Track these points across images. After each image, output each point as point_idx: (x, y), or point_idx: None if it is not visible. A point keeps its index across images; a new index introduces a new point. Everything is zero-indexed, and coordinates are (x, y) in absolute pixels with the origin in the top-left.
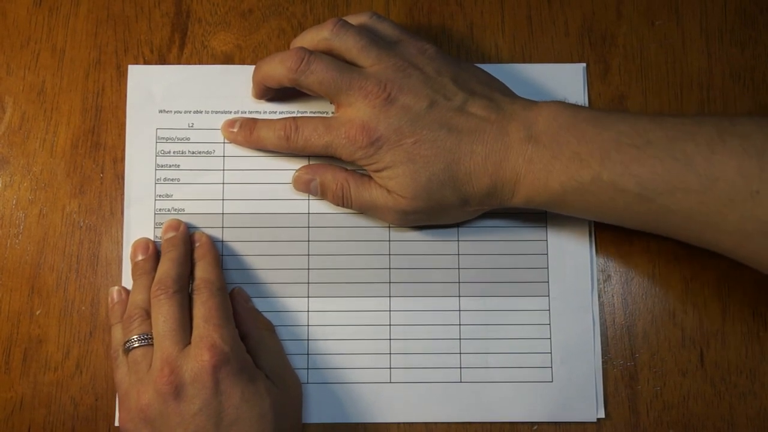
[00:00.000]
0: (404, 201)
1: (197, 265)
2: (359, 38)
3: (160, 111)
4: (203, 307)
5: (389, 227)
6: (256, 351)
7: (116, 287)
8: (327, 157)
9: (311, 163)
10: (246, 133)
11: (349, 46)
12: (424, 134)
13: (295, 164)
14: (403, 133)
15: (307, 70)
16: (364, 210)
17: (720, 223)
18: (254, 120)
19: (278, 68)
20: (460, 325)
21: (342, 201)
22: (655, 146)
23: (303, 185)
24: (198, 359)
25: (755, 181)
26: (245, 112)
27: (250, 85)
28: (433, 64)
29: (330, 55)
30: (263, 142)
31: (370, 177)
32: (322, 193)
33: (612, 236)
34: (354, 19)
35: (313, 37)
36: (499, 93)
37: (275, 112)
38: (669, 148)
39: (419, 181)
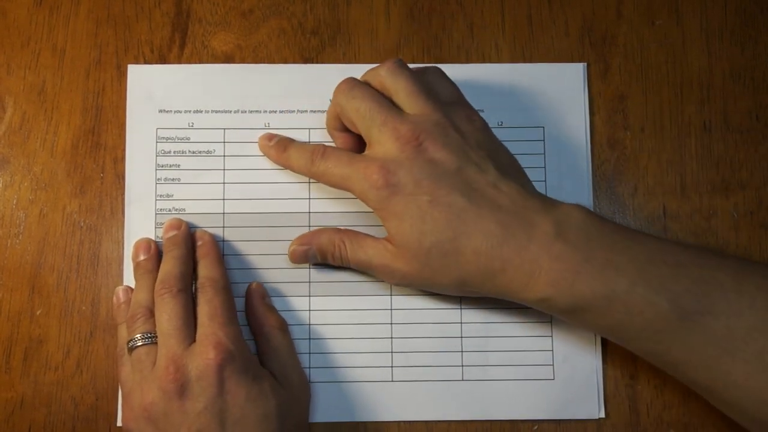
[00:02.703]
0: (402, 260)
1: (200, 263)
2: (411, 83)
3: (160, 111)
4: (208, 305)
5: None
6: (264, 349)
7: (122, 286)
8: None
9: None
10: (279, 150)
11: (399, 88)
12: (441, 196)
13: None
14: (421, 187)
15: (350, 94)
16: (361, 269)
17: (740, 351)
18: (290, 140)
19: (333, 96)
20: (461, 323)
21: (340, 261)
22: (687, 268)
23: (301, 256)
24: (203, 357)
25: None
26: (245, 112)
27: (250, 84)
28: (476, 135)
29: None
30: (290, 163)
31: (366, 235)
32: (321, 258)
33: None
34: (416, 67)
35: (371, 73)
36: (529, 185)
37: (275, 111)
38: (700, 272)
39: (423, 243)
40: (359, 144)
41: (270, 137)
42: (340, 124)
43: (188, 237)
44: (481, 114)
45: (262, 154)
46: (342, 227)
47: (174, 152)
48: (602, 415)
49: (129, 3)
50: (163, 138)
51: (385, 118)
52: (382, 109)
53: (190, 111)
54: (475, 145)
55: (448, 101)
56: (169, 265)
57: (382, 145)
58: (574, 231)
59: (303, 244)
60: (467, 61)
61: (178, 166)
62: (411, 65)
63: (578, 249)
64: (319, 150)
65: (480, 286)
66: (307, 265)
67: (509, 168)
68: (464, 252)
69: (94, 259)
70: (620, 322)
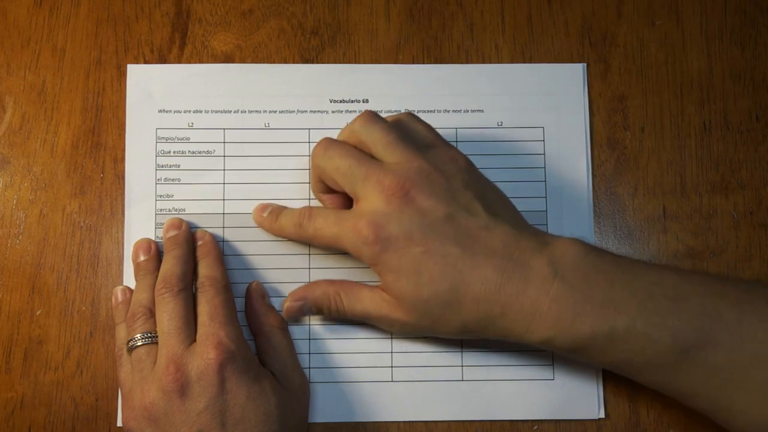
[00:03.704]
0: (401, 311)
1: (201, 262)
2: (386, 133)
3: (160, 111)
4: (209, 305)
5: None
6: (264, 349)
7: (120, 287)
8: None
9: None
10: (272, 219)
11: (375, 139)
12: (435, 246)
13: (298, 171)
14: (413, 239)
15: (326, 154)
16: (358, 320)
17: (743, 381)
18: (282, 208)
19: (311, 160)
20: None
21: (337, 314)
22: (688, 300)
23: (297, 312)
24: (204, 357)
25: None
26: (245, 112)
27: (250, 84)
28: (461, 176)
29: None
30: (283, 229)
31: (361, 285)
32: (317, 312)
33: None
34: (389, 116)
35: (346, 130)
36: (520, 221)
37: (275, 111)
38: (701, 303)
39: (421, 295)
40: (348, 202)
41: (263, 208)
42: (324, 187)
43: (189, 236)
44: (481, 114)
45: (262, 154)
46: (336, 276)
47: (174, 152)
48: (602, 415)
49: (129, 3)
50: (163, 138)
51: (367, 171)
52: (361, 163)
53: (190, 111)
54: (461, 187)
55: (427, 144)
56: (170, 265)
57: (367, 199)
58: (571, 269)
59: (297, 300)
60: (467, 61)
61: (178, 166)
62: (412, 65)
63: (576, 288)
64: (305, 212)
65: (482, 330)
66: (306, 265)
67: (498, 206)
68: (464, 300)
69: (94, 259)
70: (623, 359)
